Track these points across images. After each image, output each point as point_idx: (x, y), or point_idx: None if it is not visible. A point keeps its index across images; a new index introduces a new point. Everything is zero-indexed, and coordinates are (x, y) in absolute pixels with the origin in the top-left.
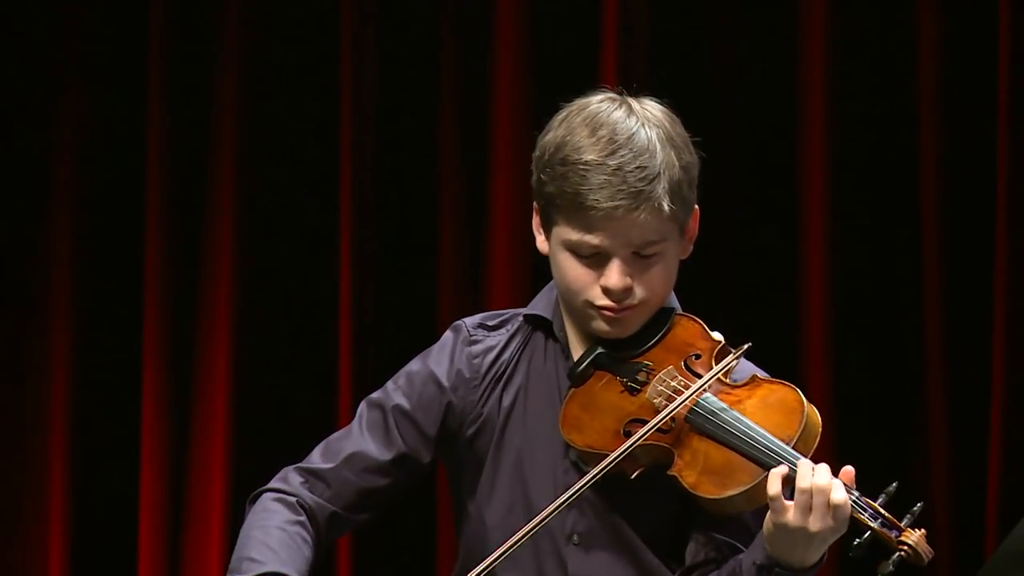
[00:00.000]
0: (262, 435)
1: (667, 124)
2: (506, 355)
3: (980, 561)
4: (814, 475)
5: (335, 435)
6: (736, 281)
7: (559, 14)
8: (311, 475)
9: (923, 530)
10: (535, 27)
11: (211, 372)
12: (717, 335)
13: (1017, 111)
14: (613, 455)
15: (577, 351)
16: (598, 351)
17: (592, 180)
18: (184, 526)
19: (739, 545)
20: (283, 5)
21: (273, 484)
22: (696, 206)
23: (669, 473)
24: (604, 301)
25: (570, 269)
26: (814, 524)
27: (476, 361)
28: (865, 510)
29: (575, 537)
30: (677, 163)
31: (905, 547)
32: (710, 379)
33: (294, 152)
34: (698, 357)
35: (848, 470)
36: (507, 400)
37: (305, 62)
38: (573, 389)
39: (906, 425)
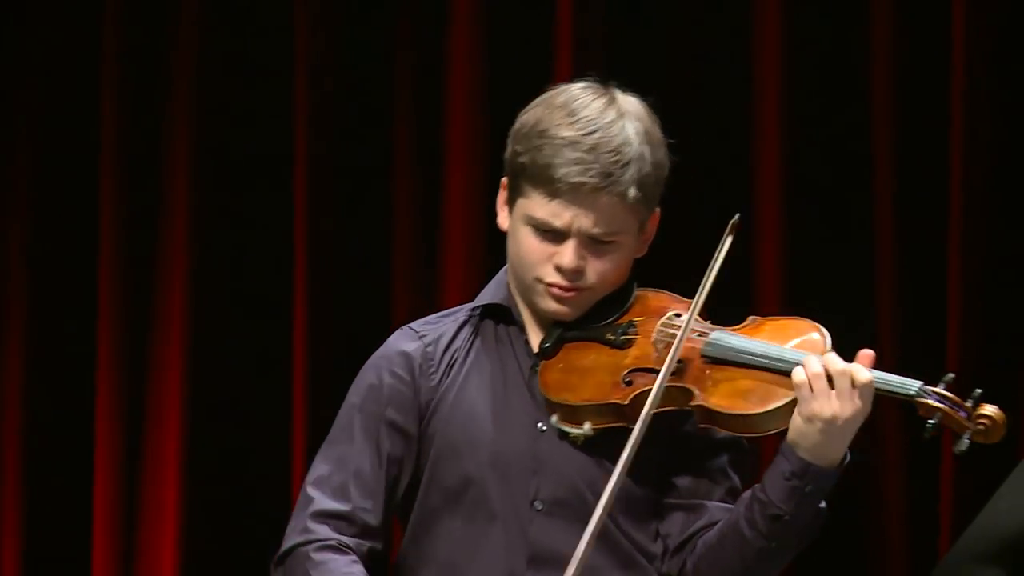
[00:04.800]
0: (216, 434)
1: (646, 120)
2: (457, 342)
3: (934, 560)
4: (833, 363)
5: (326, 465)
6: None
7: (514, 24)
8: (331, 518)
9: (994, 404)
10: (490, 31)
11: (164, 369)
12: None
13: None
14: (657, 385)
15: (534, 332)
16: (561, 328)
17: (565, 155)
18: (137, 527)
19: (730, 505)
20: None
21: (301, 538)
22: (658, 208)
23: (691, 405)
24: (554, 278)
25: (527, 243)
26: (845, 410)
27: (429, 349)
28: (930, 395)
29: (538, 503)
30: (649, 158)
31: (983, 420)
32: (703, 294)
33: (249, 154)
34: (679, 315)
35: (868, 352)
36: (460, 383)
37: (261, 57)
38: (544, 361)
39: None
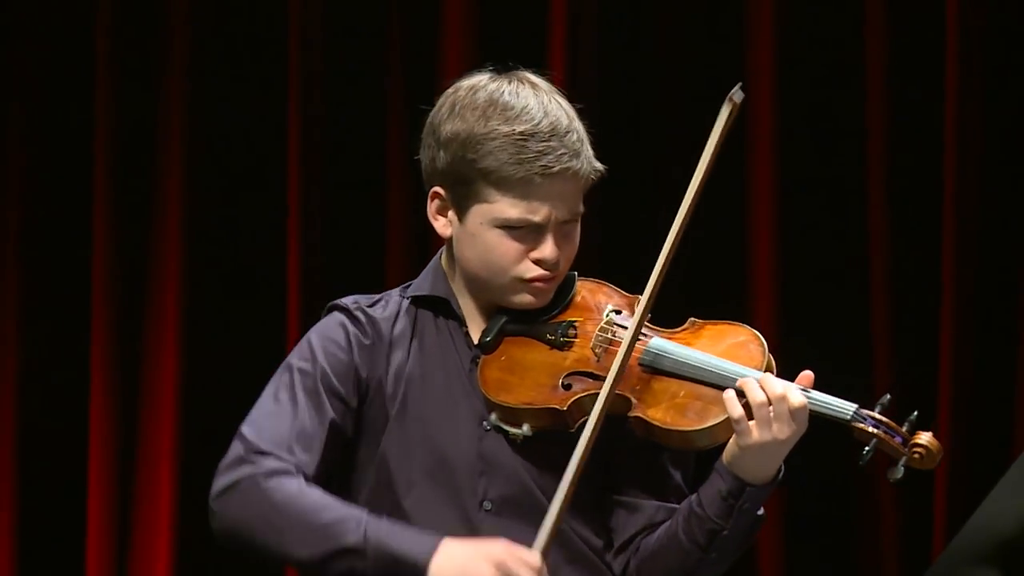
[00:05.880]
0: (211, 433)
1: (557, 91)
2: (398, 329)
3: (928, 561)
4: (770, 386)
5: (264, 416)
6: (685, 273)
7: (507, 20)
8: (273, 457)
9: (929, 432)
10: (483, 27)
11: (158, 369)
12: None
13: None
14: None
15: (475, 325)
16: (503, 320)
17: (531, 147)
18: (132, 527)
19: (675, 506)
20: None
21: (246, 470)
22: None
23: (629, 415)
24: (535, 273)
25: (499, 246)
26: (781, 432)
27: (370, 329)
28: (866, 420)
29: (487, 503)
30: (583, 128)
31: (918, 449)
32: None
33: (243, 153)
34: (619, 312)
35: (807, 374)
36: (405, 379)
37: (254, 56)
38: (484, 357)
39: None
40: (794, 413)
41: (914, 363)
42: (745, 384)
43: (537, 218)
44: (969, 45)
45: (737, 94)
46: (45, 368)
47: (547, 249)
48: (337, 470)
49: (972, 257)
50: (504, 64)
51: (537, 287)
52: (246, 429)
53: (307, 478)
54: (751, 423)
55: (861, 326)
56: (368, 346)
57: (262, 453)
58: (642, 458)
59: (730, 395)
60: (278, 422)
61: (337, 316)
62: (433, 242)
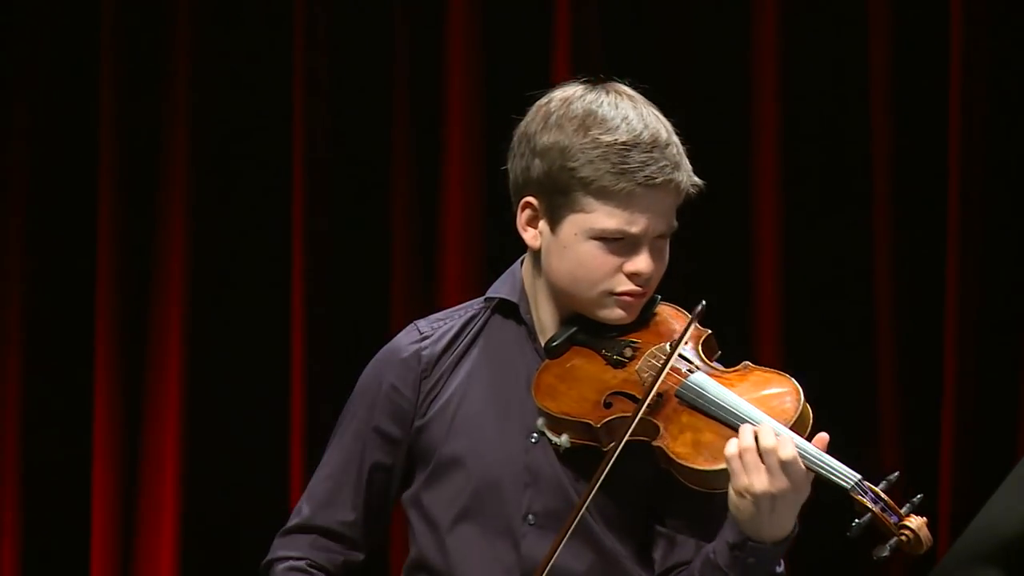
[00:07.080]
0: (215, 437)
1: (653, 105)
2: (460, 339)
3: (932, 561)
4: (763, 435)
5: (320, 472)
6: (688, 269)
7: (511, 20)
8: (312, 532)
9: (924, 518)
10: (486, 27)
11: (163, 370)
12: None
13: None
14: (639, 412)
15: (544, 334)
16: (574, 328)
17: (634, 158)
18: (136, 533)
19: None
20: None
21: (279, 552)
22: None
23: (654, 444)
24: (627, 287)
25: (594, 258)
26: (773, 485)
27: (426, 352)
28: (866, 493)
29: (531, 517)
30: (679, 141)
31: (906, 531)
32: (684, 337)
33: (247, 155)
34: (685, 343)
35: (822, 436)
36: (460, 382)
37: (258, 63)
38: (547, 361)
39: (858, 436)
40: (785, 466)
41: (918, 366)
42: (742, 429)
43: (635, 230)
44: (973, 41)
45: (700, 309)
46: (49, 371)
47: (642, 262)
48: (397, 489)
49: (977, 258)
50: (596, 76)
51: (626, 301)
52: (306, 492)
53: (345, 538)
54: (743, 474)
55: (864, 329)
56: (424, 373)
57: (302, 532)
58: (688, 494)
59: (730, 442)
60: (325, 480)
61: (401, 346)
62: (439, 250)
